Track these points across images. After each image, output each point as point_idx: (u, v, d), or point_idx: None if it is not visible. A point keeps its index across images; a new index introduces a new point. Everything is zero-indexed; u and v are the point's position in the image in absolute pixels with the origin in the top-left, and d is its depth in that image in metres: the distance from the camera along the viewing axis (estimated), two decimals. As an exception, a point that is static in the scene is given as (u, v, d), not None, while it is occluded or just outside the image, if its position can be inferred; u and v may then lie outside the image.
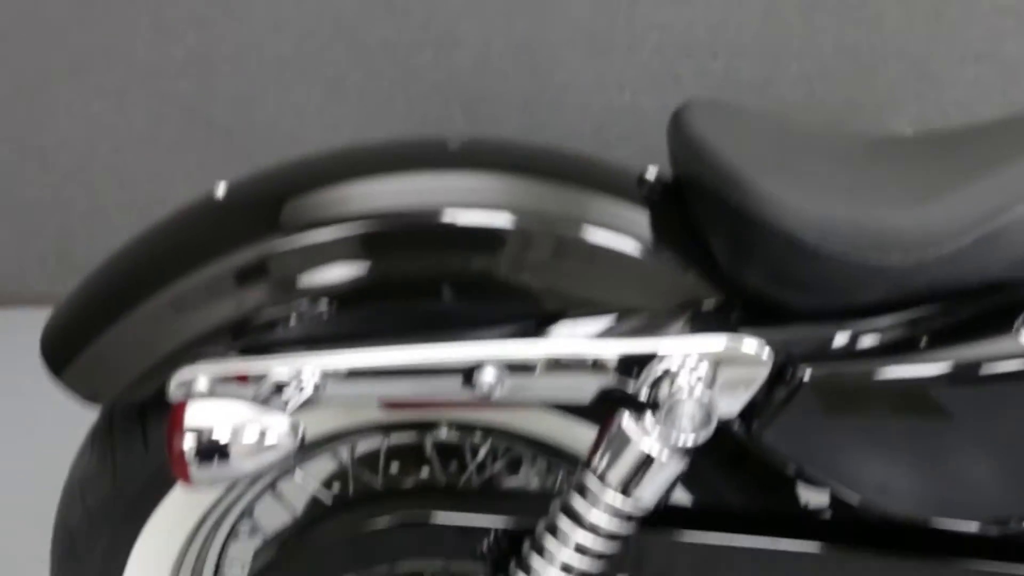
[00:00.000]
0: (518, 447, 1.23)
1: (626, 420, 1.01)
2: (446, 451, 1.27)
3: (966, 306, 1.04)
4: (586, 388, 1.02)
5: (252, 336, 1.03)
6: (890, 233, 0.98)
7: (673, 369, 1.00)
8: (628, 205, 1.08)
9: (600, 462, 1.03)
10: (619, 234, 1.04)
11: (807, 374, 1.01)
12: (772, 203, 0.99)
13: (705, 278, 1.04)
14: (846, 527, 1.13)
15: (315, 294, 1.02)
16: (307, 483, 1.26)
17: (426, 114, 2.45)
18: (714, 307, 1.04)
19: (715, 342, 1.00)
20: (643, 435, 1.00)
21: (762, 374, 1.01)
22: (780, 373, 1.02)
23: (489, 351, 1.00)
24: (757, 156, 1.05)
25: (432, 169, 1.10)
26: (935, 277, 1.00)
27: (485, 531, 1.11)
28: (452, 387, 1.01)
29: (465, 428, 1.20)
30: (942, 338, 1.03)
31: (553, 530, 1.06)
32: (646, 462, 1.01)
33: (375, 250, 1.03)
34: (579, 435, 1.12)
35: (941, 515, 1.08)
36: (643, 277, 1.05)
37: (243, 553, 1.26)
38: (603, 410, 1.03)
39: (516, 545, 1.10)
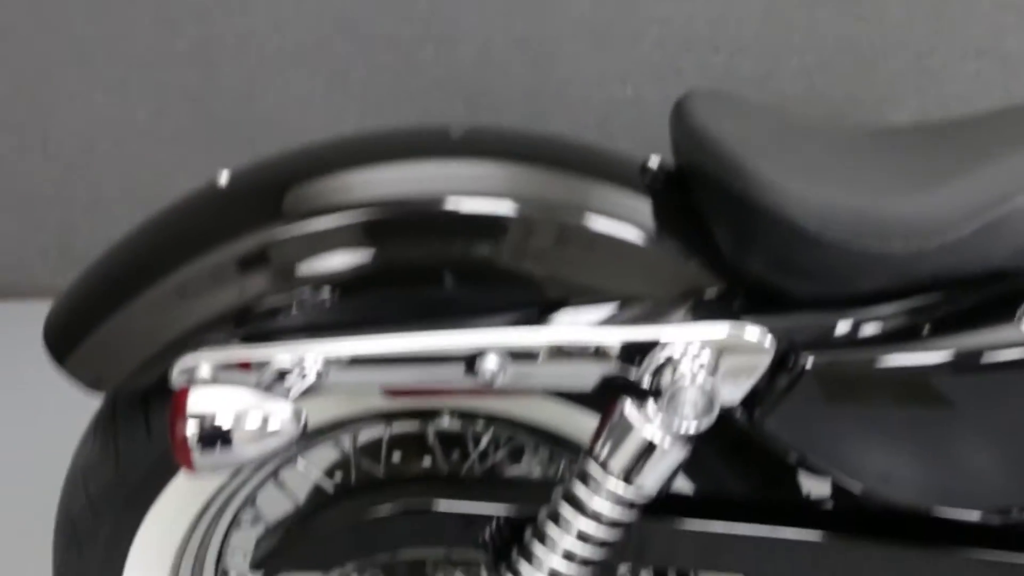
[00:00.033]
0: (520, 436, 1.23)
1: (628, 407, 1.01)
2: (448, 440, 1.27)
3: (968, 294, 1.04)
4: (588, 376, 1.02)
5: (255, 324, 1.03)
6: (892, 221, 0.98)
7: (676, 356, 1.00)
8: (631, 193, 1.08)
9: (602, 449, 1.03)
10: (622, 222, 1.04)
11: (809, 362, 1.01)
12: (775, 191, 0.99)
13: (707, 266, 1.05)
14: (848, 516, 1.13)
15: (318, 282, 1.02)
16: (309, 472, 1.26)
17: (428, 107, 2.45)
18: (716, 295, 1.05)
19: (718, 330, 1.00)
20: (645, 422, 1.01)
21: (764, 362, 1.01)
22: (782, 361, 1.02)
23: (491, 338, 1.00)
24: (759, 145, 1.05)
25: (435, 157, 1.10)
26: (937, 265, 1.00)
27: (487, 519, 1.12)
28: (454, 374, 1.01)
29: (467, 416, 1.20)
30: (944, 326, 1.03)
31: (555, 518, 1.06)
32: (648, 449, 1.01)
33: (378, 238, 1.03)
34: (581, 423, 1.12)
35: (943, 504, 1.09)
36: (645, 265, 1.05)
37: (245, 542, 1.26)
38: (605, 398, 1.03)
39: (518, 533, 1.10)
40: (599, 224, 1.04)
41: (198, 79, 2.47)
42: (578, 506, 1.04)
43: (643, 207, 1.07)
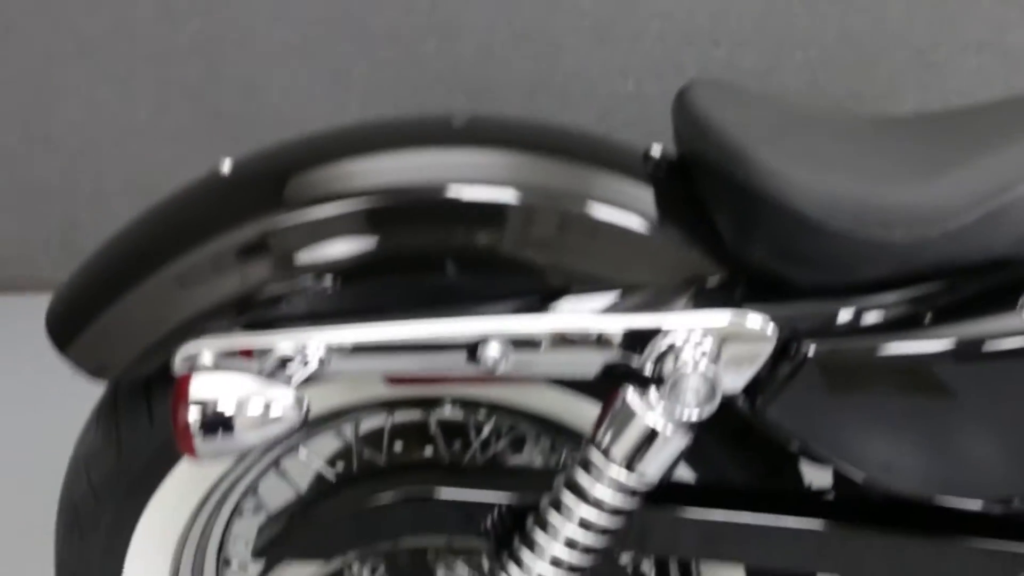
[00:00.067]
0: (522, 425, 1.23)
1: (631, 395, 1.02)
2: (450, 430, 1.27)
3: (970, 283, 1.04)
4: (590, 363, 1.02)
5: (257, 311, 1.03)
6: (895, 209, 0.98)
7: (678, 344, 1.00)
8: (633, 181, 1.08)
9: (604, 437, 1.03)
10: (624, 210, 1.04)
11: (811, 350, 1.01)
12: (777, 179, 0.99)
13: (710, 254, 1.05)
14: (849, 505, 1.13)
15: (320, 269, 1.02)
16: (311, 461, 1.26)
17: (430, 101, 2.45)
18: (718, 283, 1.05)
19: (720, 317, 1.00)
20: (647, 409, 1.01)
21: (766, 350, 1.01)
22: (784, 349, 1.02)
23: (494, 326, 1.00)
24: (762, 133, 1.05)
25: (437, 145, 1.10)
26: (939, 254, 1.00)
27: (489, 507, 1.12)
28: (456, 362, 1.01)
29: (469, 405, 1.20)
30: (946, 315, 1.03)
31: (557, 505, 1.06)
32: (650, 436, 1.01)
33: (380, 225, 1.03)
34: (583, 411, 1.12)
35: (945, 493, 1.09)
36: (647, 253, 1.05)
37: (247, 530, 1.26)
38: (607, 386, 1.03)
39: (520, 521, 1.10)
40: (601, 212, 1.04)
41: (200, 73, 2.48)
42: (580, 493, 1.04)
43: (645, 195, 1.07)
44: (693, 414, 1.00)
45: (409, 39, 2.42)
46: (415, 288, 1.04)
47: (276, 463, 1.25)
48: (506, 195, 1.03)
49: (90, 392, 1.20)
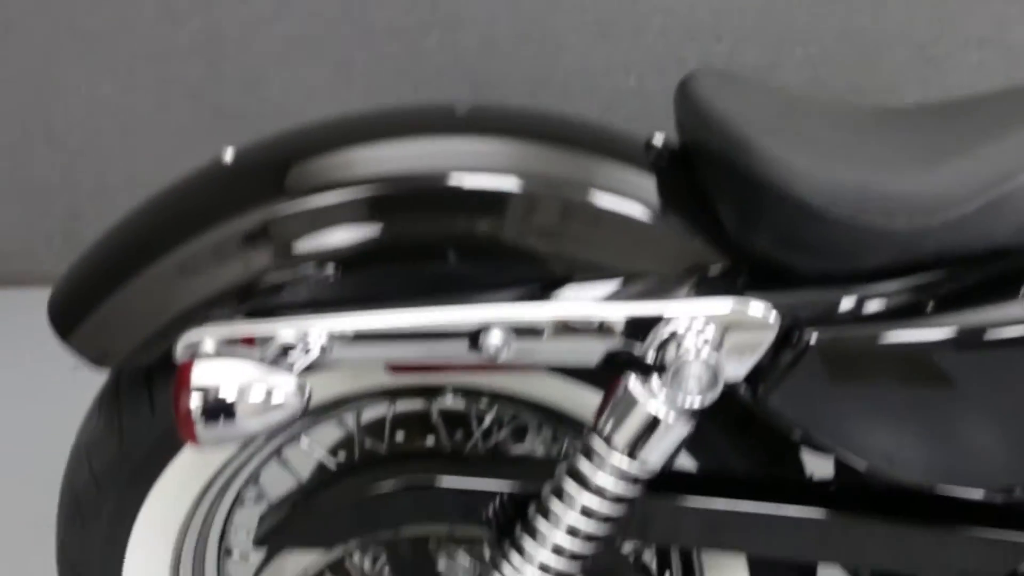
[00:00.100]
0: (524, 415, 1.23)
1: (632, 382, 1.01)
2: (452, 419, 1.27)
3: (972, 272, 1.04)
4: (592, 351, 1.02)
5: (259, 299, 1.03)
6: (896, 198, 0.98)
7: (680, 331, 1.00)
8: (635, 170, 1.08)
9: (606, 424, 1.03)
10: (626, 198, 1.04)
11: (813, 338, 1.01)
12: (780, 167, 0.99)
13: (712, 242, 1.05)
14: (851, 493, 1.13)
15: (322, 257, 1.02)
16: (313, 450, 1.26)
17: (433, 96, 2.45)
18: (721, 271, 1.04)
19: (722, 305, 1.00)
20: (649, 397, 1.01)
21: (768, 338, 1.01)
22: (786, 337, 1.02)
23: (495, 314, 1.00)
24: (764, 122, 1.05)
25: (439, 134, 1.10)
26: (941, 242, 1.00)
27: (490, 495, 1.12)
28: (458, 350, 1.01)
29: (471, 394, 1.20)
30: (948, 303, 1.03)
31: (559, 493, 1.06)
32: (652, 424, 1.01)
33: (382, 214, 1.03)
34: (584, 400, 1.12)
35: (946, 482, 1.08)
36: (650, 241, 1.05)
37: (249, 520, 1.26)
38: (609, 374, 1.03)
39: (521, 510, 1.10)
40: (603, 200, 1.04)
41: (201, 68, 2.48)
42: (582, 481, 1.04)
43: (647, 184, 1.07)
44: (695, 402, 1.00)
45: (412, 33, 2.43)
46: (417, 276, 1.04)
47: (278, 452, 1.25)
48: (508, 183, 1.03)
49: (91, 385, 1.20)
